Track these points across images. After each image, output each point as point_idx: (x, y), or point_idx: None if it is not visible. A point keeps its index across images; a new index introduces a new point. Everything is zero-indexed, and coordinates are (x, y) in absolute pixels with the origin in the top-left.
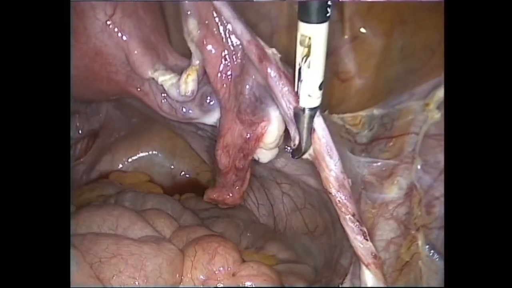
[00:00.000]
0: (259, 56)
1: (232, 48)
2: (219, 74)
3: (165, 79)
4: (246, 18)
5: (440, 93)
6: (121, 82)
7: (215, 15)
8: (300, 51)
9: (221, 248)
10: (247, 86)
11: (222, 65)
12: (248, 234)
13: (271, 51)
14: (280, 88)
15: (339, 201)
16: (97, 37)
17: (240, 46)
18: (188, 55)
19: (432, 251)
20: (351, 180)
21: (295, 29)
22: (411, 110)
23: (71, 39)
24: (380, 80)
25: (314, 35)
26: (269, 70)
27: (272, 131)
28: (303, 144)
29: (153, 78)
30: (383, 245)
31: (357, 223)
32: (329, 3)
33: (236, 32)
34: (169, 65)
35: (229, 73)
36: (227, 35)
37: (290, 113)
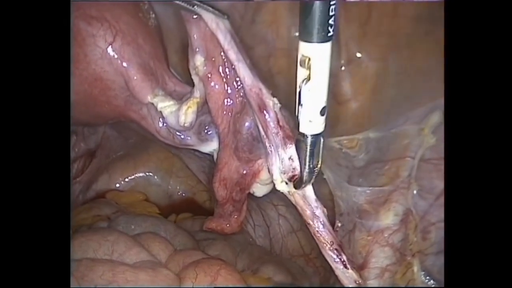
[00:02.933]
0: (259, 105)
1: (235, 86)
2: (220, 110)
3: (164, 105)
4: (243, 41)
5: (434, 118)
6: (120, 107)
7: (222, 54)
8: (300, 72)
9: (223, 271)
10: (246, 125)
11: (224, 101)
12: (244, 257)
13: (272, 102)
14: (277, 142)
15: (317, 231)
16: (97, 63)
17: (243, 86)
18: (186, 79)
19: (427, 277)
20: (347, 211)
21: (291, 52)
22: (406, 134)
23: (71, 66)
24: (376, 104)
25: (314, 56)
26: (267, 119)
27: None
28: (305, 175)
29: (152, 103)
30: (378, 272)
31: (336, 252)
32: (330, 22)
33: (239, 75)
34: (168, 90)
35: (230, 109)
36: (232, 73)
37: (280, 166)
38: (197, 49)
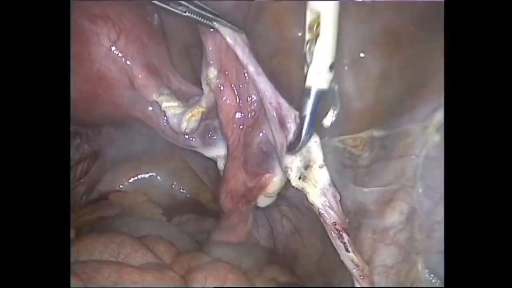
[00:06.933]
0: (279, 120)
1: (248, 100)
2: (230, 123)
3: (169, 105)
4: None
5: (438, 116)
6: (125, 106)
7: (236, 67)
8: (309, 30)
9: (231, 275)
10: (257, 141)
11: (235, 114)
12: (248, 258)
13: (293, 114)
14: None
15: (320, 210)
16: (101, 62)
17: (256, 100)
18: (189, 79)
19: (432, 275)
20: (354, 211)
21: (294, 52)
22: (411, 133)
23: (75, 64)
24: (379, 103)
25: (323, 10)
26: (289, 130)
27: (276, 182)
28: (303, 134)
29: (157, 102)
30: (383, 271)
31: (337, 233)
32: None
33: (259, 89)
34: (173, 89)
35: (241, 124)
36: (245, 87)
37: (299, 164)
38: (211, 62)
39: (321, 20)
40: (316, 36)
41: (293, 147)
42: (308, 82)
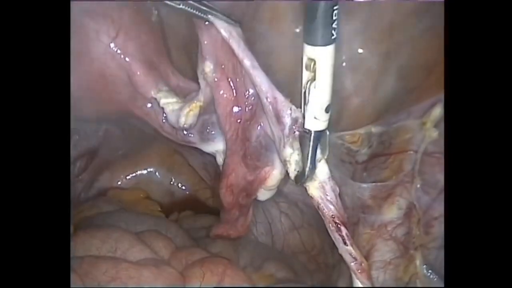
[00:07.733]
0: (275, 115)
1: (245, 94)
2: (228, 117)
3: (167, 102)
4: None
5: (436, 112)
6: (123, 102)
7: (232, 62)
8: (306, 73)
9: (229, 271)
10: (255, 134)
11: (232, 108)
12: (246, 254)
13: (289, 109)
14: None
15: (319, 203)
16: (100, 59)
17: (253, 93)
18: (187, 75)
19: (430, 271)
20: (352, 206)
21: (292, 48)
22: (408, 129)
23: (74, 62)
24: (378, 99)
25: (319, 58)
26: (285, 124)
27: (276, 175)
28: (307, 169)
29: (155, 99)
30: (382, 266)
31: (335, 226)
32: (334, 25)
33: (255, 83)
34: (172, 85)
35: (238, 117)
36: (242, 81)
37: (297, 158)
38: (207, 56)
39: (317, 67)
40: (313, 75)
41: (299, 180)
42: (307, 125)
